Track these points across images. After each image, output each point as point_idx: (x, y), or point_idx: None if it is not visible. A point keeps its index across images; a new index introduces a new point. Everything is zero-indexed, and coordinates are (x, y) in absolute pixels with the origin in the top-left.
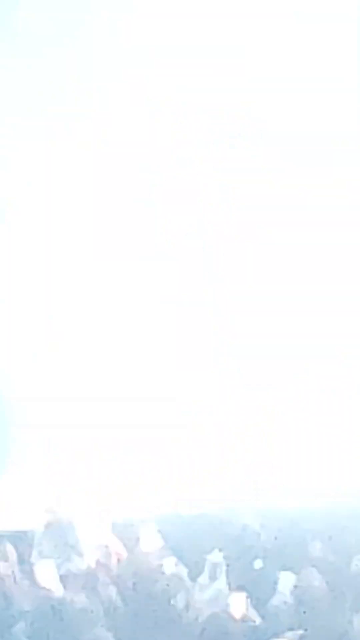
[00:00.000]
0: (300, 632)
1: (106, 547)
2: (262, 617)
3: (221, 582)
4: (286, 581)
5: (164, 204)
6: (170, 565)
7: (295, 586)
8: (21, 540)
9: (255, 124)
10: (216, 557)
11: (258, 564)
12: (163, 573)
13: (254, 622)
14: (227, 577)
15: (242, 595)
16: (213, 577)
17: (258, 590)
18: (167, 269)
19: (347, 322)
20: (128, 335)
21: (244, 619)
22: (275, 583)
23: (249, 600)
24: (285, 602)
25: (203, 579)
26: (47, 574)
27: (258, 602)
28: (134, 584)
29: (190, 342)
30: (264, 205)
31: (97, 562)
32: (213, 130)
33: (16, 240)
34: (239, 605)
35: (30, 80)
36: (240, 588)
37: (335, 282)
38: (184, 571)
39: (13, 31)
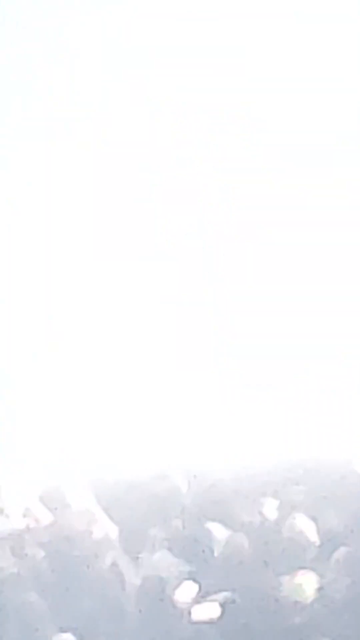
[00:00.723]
0: (226, 594)
1: (33, 510)
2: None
3: (161, 553)
4: (218, 531)
5: (164, 204)
6: (99, 529)
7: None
8: None
9: (255, 124)
10: (156, 530)
11: (177, 522)
12: (91, 536)
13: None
14: (166, 547)
15: (193, 585)
16: (152, 550)
17: (185, 551)
18: (167, 269)
19: (347, 322)
20: (128, 335)
21: (188, 607)
22: (207, 544)
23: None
24: (215, 558)
25: (144, 552)
26: None
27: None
28: (62, 547)
29: (190, 342)
30: (264, 205)
31: (25, 526)
32: (213, 130)
33: (16, 240)
34: (187, 593)
35: (31, 80)
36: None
37: (335, 282)
38: (114, 534)
39: (13, 31)
